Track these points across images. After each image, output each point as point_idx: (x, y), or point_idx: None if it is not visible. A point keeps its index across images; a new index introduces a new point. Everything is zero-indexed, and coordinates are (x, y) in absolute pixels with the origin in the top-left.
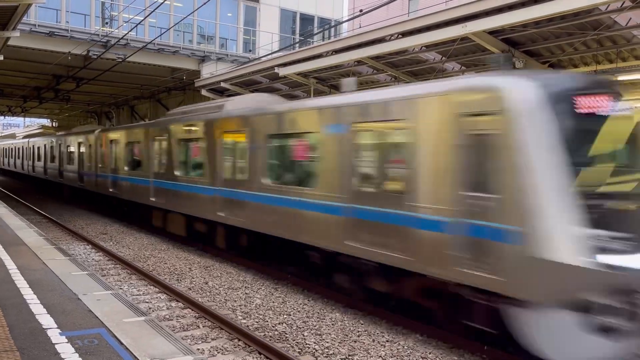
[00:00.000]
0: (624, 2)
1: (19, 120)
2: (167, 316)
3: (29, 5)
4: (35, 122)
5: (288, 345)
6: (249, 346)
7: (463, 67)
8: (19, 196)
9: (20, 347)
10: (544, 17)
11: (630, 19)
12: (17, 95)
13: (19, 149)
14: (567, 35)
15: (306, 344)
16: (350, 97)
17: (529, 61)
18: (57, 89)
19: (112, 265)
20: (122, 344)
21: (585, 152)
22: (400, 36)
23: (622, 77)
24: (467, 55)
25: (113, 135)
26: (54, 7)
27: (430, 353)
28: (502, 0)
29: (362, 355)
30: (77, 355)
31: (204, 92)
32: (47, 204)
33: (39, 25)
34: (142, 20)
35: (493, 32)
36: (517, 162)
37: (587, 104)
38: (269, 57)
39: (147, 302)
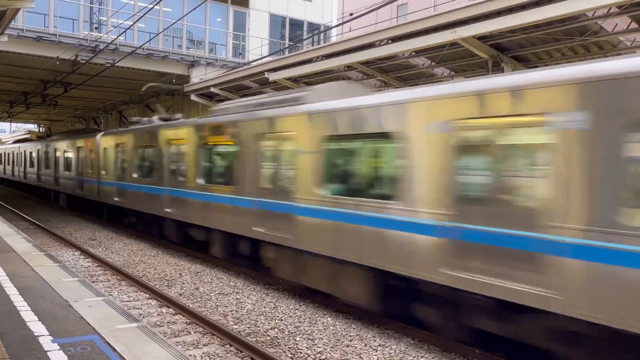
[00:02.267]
0: (610, 9)
1: (4, 125)
2: (158, 322)
3: (17, 9)
4: (22, 128)
5: (280, 351)
6: (241, 352)
7: (452, 73)
8: (6, 203)
9: (12, 355)
10: (531, 23)
11: (617, 24)
12: (4, 100)
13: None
14: (554, 41)
15: (298, 349)
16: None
17: (517, 66)
18: (44, 94)
19: (102, 272)
20: (115, 350)
21: None
22: (390, 41)
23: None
24: (456, 61)
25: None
26: (42, 12)
27: (422, 357)
28: (490, 6)
29: (354, 359)
30: None
31: (193, 97)
32: (35, 210)
33: (26, 30)
34: (131, 25)
35: (482, 38)
36: None
37: None
38: (259, 62)
39: (137, 309)
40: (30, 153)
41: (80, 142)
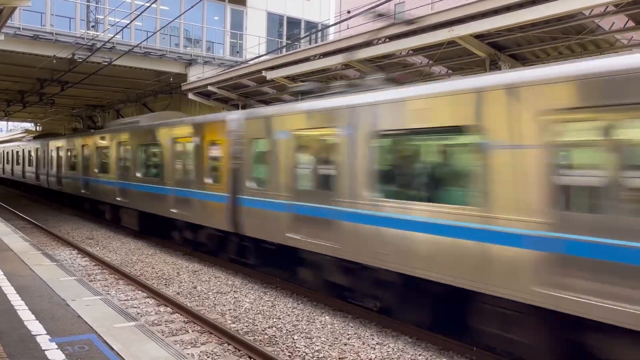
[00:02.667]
0: (607, 7)
1: (1, 124)
2: (156, 321)
3: (14, 8)
4: (18, 127)
5: (278, 349)
6: (239, 350)
7: (450, 71)
8: (4, 202)
9: (10, 354)
10: (528, 22)
11: (614, 23)
12: (1, 99)
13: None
14: (551, 40)
15: (296, 347)
16: None
17: (515, 65)
18: (41, 93)
19: (99, 271)
20: (112, 349)
21: None
22: (387, 40)
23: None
24: (454, 59)
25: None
26: (39, 11)
27: (420, 355)
28: (487, 5)
29: (352, 358)
30: None
31: (191, 95)
32: (32, 209)
33: (23, 29)
34: (129, 23)
35: (479, 37)
36: None
37: None
38: (257, 60)
39: (135, 308)
40: (68, 152)
41: (179, 132)
